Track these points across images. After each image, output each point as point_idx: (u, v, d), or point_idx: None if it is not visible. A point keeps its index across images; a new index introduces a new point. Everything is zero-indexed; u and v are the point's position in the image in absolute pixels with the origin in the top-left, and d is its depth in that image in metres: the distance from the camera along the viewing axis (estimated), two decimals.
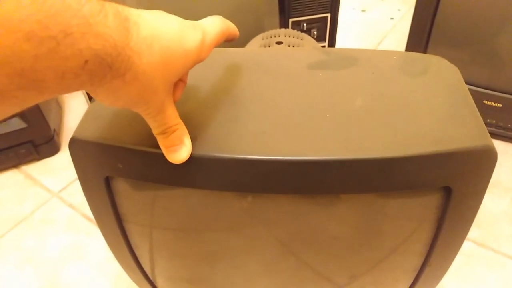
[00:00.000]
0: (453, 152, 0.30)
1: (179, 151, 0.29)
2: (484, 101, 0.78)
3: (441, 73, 0.37)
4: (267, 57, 0.40)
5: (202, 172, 0.31)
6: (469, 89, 0.36)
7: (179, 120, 0.29)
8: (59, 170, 0.82)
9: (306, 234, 0.37)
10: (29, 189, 0.78)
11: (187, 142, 0.29)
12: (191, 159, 0.30)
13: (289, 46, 0.58)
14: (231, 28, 0.31)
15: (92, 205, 0.39)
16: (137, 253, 0.45)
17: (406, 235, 0.37)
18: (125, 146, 0.32)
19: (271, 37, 0.62)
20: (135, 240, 0.42)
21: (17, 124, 0.75)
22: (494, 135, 0.82)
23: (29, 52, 0.17)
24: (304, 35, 0.63)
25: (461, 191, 0.33)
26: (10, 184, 0.79)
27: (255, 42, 0.62)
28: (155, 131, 0.28)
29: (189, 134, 0.30)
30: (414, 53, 0.40)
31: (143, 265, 0.47)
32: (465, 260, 0.63)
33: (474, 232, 0.67)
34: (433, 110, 0.33)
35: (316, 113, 0.32)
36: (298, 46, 0.59)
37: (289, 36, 0.61)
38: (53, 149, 0.84)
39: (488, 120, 0.80)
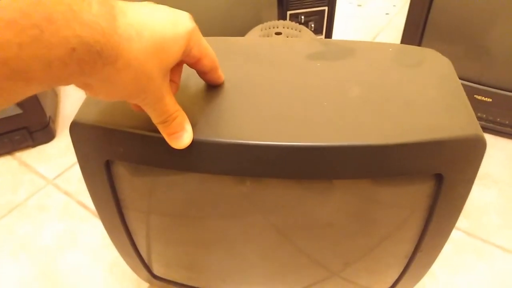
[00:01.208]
0: (445, 140, 0.31)
1: (182, 138, 0.29)
2: (475, 96, 0.80)
3: (435, 65, 0.39)
4: (266, 46, 0.41)
5: (201, 156, 0.32)
6: (461, 83, 0.38)
7: (178, 107, 0.29)
8: (54, 157, 0.82)
9: (301, 220, 0.38)
10: (23, 176, 0.78)
11: (188, 128, 0.30)
12: (192, 143, 0.30)
13: (287, 37, 0.59)
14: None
15: (91, 190, 0.39)
16: (135, 238, 0.45)
17: (399, 222, 0.38)
18: (126, 130, 0.32)
19: (270, 28, 0.62)
20: (133, 225, 0.43)
21: (12, 110, 0.75)
22: (484, 129, 0.84)
23: (12, 41, 0.17)
24: (302, 27, 0.63)
25: (452, 178, 0.34)
26: (4, 171, 0.79)
27: (254, 33, 0.62)
28: (155, 121, 0.29)
29: (190, 120, 0.30)
30: (409, 45, 0.41)
31: (140, 251, 0.48)
32: (455, 249, 0.65)
33: (463, 222, 0.69)
34: (426, 100, 0.34)
35: (313, 101, 0.33)
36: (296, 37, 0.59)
37: (288, 28, 0.62)
38: (48, 136, 0.84)
39: (479, 114, 0.82)
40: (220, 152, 0.31)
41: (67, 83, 0.21)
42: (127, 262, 0.52)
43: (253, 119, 0.32)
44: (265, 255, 0.43)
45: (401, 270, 0.45)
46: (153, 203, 0.39)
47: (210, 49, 0.31)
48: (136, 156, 0.34)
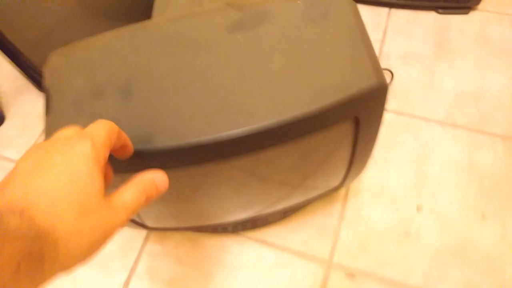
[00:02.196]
0: (355, 94, 0.39)
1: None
2: None
3: (340, 13, 0.43)
4: (185, 28, 0.43)
5: (166, 159, 0.38)
6: None
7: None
8: (14, 138, 0.83)
9: (264, 170, 0.47)
10: None
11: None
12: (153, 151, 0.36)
13: None
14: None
15: None
16: None
17: (335, 152, 0.48)
18: None
19: None
20: None
21: None
22: (403, 6, 0.90)
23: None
24: None
25: (366, 117, 0.42)
26: None
27: None
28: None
29: (140, 128, 0.36)
30: None
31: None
32: (388, 129, 0.77)
33: (392, 104, 0.80)
34: (336, 57, 0.40)
35: (241, 81, 0.39)
36: None
37: None
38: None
39: (403, 0, 0.87)
40: (179, 154, 0.38)
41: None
42: None
43: (195, 114, 0.38)
44: (240, 191, 0.53)
45: (344, 173, 0.57)
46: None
47: (116, 138, 0.29)
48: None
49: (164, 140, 0.37)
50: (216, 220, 0.62)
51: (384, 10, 0.92)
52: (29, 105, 0.88)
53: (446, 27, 0.87)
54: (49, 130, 0.39)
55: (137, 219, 0.58)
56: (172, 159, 0.38)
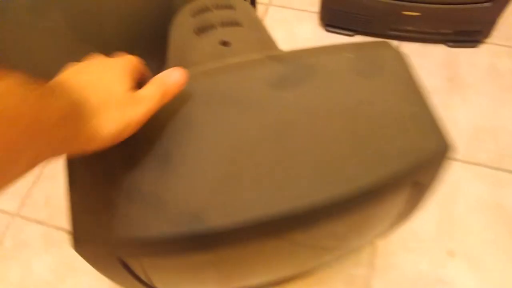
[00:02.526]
0: (427, 159, 0.35)
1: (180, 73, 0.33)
2: (403, 12, 0.82)
3: (392, 67, 0.40)
4: (225, 85, 0.38)
5: (217, 239, 0.33)
6: (389, 3, 0.39)
7: (154, 82, 0.31)
8: None
9: (309, 239, 0.42)
10: None
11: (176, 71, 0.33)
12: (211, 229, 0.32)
13: (224, 25, 0.55)
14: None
15: (108, 276, 0.40)
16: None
17: (386, 215, 0.44)
18: (132, 236, 0.32)
19: (200, 12, 0.57)
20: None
21: None
22: (412, 39, 0.89)
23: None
24: (236, 2, 0.59)
25: (428, 179, 0.39)
26: None
27: (185, 20, 0.57)
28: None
29: (186, 204, 0.31)
30: (363, 44, 0.42)
31: None
32: None
33: None
34: (397, 118, 0.37)
35: (296, 148, 0.34)
36: (235, 24, 0.56)
37: (219, 8, 0.57)
38: None
39: (408, 28, 0.86)
40: (236, 232, 0.33)
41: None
42: None
43: (249, 187, 0.33)
44: (279, 262, 0.48)
45: (387, 230, 0.53)
46: (174, 276, 0.41)
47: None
48: (149, 252, 0.35)
49: (219, 218, 0.32)
50: (241, 284, 0.57)
51: (393, 44, 0.91)
52: None
53: (456, 60, 0.87)
54: (74, 210, 0.33)
55: None
56: (225, 239, 0.34)
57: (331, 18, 0.92)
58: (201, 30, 0.55)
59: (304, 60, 0.40)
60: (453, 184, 0.73)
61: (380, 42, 0.42)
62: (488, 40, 0.88)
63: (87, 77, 0.28)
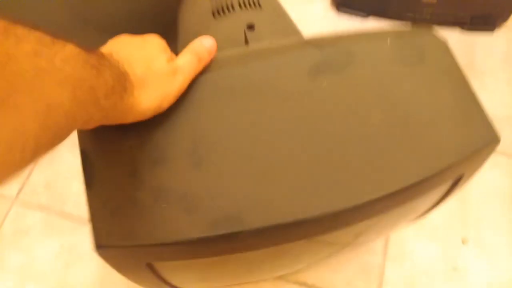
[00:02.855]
0: (476, 152, 0.33)
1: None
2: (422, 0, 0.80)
3: (435, 55, 0.37)
4: (258, 72, 0.34)
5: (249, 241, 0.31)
6: None
7: (186, 54, 0.32)
8: None
9: (341, 238, 0.40)
10: None
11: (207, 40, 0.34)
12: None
13: (244, 6, 0.50)
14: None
15: (135, 280, 0.37)
16: None
17: (419, 209, 0.42)
18: (161, 242, 0.29)
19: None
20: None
21: None
22: (428, 22, 0.86)
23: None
24: None
25: (472, 171, 0.37)
26: None
27: (199, 4, 0.52)
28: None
29: (223, 204, 0.29)
30: (406, 32, 0.39)
31: None
32: None
33: None
34: (443, 109, 0.34)
35: (337, 144, 0.32)
36: (256, 5, 0.50)
37: None
38: None
39: (425, 11, 0.83)
40: (268, 234, 0.30)
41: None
42: None
43: (288, 187, 0.30)
44: (299, 256, 0.47)
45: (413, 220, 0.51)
46: (199, 274, 0.39)
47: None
48: (176, 256, 0.32)
49: (258, 220, 0.29)
50: (257, 277, 0.55)
51: (437, 32, 0.88)
52: None
53: (472, 45, 0.84)
54: (95, 210, 0.30)
55: None
56: (263, 240, 0.31)
57: None
58: (219, 11, 0.50)
59: (343, 46, 0.36)
60: None
61: (424, 29, 0.39)
62: (506, 24, 0.86)
63: (131, 51, 0.29)
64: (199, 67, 0.32)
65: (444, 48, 0.38)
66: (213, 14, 0.50)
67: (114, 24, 0.65)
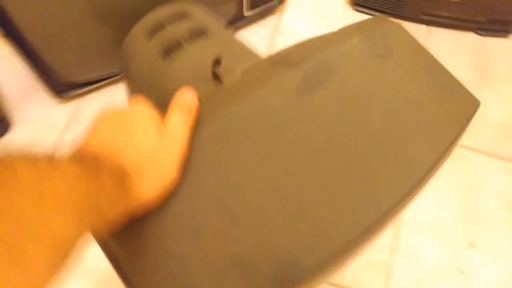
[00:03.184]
0: (469, 119, 0.37)
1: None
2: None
3: (400, 42, 0.38)
4: (249, 107, 0.31)
5: None
6: None
7: (171, 111, 0.30)
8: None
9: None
10: None
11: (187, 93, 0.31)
12: None
13: (191, 39, 0.42)
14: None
15: None
16: None
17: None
18: None
19: (156, 29, 0.43)
20: None
21: None
22: (443, 25, 0.87)
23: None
24: (188, 9, 0.46)
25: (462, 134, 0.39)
26: None
27: (143, 48, 0.44)
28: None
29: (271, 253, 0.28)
30: (362, 23, 0.37)
31: None
32: None
33: None
34: (430, 89, 0.36)
35: (355, 154, 0.31)
36: (201, 34, 0.43)
37: (175, 20, 0.44)
38: (5, 128, 0.76)
39: (442, 14, 0.83)
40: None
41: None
42: None
43: (326, 213, 0.29)
44: None
45: None
46: None
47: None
48: None
49: (311, 257, 0.28)
50: None
51: (422, 28, 0.89)
52: (38, 110, 0.79)
53: (486, 50, 0.85)
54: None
55: None
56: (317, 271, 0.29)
57: None
58: (167, 52, 0.43)
59: (317, 57, 0.34)
60: (478, 177, 0.72)
61: (377, 17, 0.39)
62: None
63: (119, 137, 0.27)
64: (191, 123, 0.30)
65: (402, 31, 0.38)
66: (163, 57, 0.43)
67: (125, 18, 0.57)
